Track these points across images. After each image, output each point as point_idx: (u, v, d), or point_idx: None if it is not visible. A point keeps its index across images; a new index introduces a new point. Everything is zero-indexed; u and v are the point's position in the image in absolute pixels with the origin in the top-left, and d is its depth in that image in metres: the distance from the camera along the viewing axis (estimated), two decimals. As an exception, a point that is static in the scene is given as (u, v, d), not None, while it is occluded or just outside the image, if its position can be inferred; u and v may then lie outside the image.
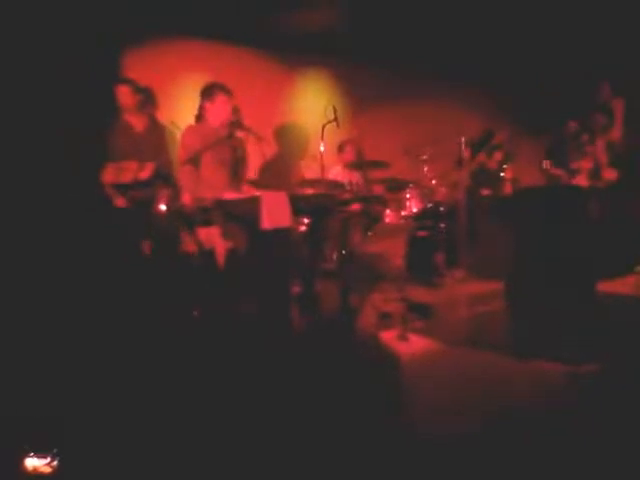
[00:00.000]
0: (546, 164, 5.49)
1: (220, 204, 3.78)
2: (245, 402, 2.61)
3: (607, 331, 3.32)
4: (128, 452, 2.21)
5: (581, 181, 5.22)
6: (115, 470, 2.11)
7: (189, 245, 4.02)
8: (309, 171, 5.84)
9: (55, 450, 2.09)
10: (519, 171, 5.83)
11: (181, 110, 5.17)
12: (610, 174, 5.30)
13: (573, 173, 5.34)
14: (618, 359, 3.11)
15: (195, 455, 2.20)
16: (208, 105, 4.33)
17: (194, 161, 4.09)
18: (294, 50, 6.17)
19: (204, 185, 4.11)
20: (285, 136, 6.32)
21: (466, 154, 4.95)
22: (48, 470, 2.05)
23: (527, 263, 3.56)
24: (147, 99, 5.07)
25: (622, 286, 4.39)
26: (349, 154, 5.88)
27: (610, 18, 5.87)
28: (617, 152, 5.37)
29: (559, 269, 3.40)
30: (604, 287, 3.95)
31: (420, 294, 4.61)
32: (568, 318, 3.30)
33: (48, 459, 2.06)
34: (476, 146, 5.51)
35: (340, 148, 5.94)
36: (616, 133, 5.47)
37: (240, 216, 3.71)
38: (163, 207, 4.26)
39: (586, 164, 5.29)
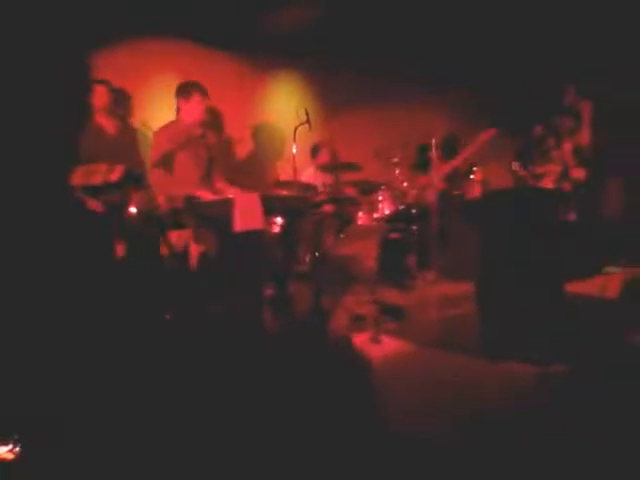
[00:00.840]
0: (515, 166, 5.55)
1: (192, 206, 3.76)
2: (217, 404, 2.60)
3: (576, 332, 3.38)
4: (99, 458, 2.18)
5: (547, 184, 5.28)
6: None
7: (161, 248, 3.99)
8: (283, 173, 5.83)
9: (16, 437, 2.05)
10: (489, 173, 5.90)
11: (153, 111, 5.13)
12: (578, 173, 5.36)
13: (539, 177, 5.40)
14: (586, 359, 3.17)
15: (168, 456, 2.19)
16: (183, 103, 4.32)
17: (166, 162, 4.07)
18: (266, 52, 6.15)
19: (177, 184, 4.09)
20: (259, 137, 6.30)
21: (435, 157, 5.00)
22: (10, 457, 2.02)
23: (496, 265, 3.61)
24: (121, 100, 5.01)
25: (590, 287, 4.47)
26: (323, 156, 5.88)
27: (577, 21, 5.96)
28: (585, 155, 5.44)
29: (527, 271, 3.45)
30: (573, 288, 4.02)
31: (392, 296, 4.64)
32: (537, 319, 3.35)
33: (10, 446, 2.03)
34: (442, 150, 5.57)
35: (314, 150, 5.94)
36: (584, 136, 5.53)
37: (212, 218, 3.69)
38: (134, 210, 4.22)
39: (552, 167, 5.35)
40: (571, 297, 3.63)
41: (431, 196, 5.14)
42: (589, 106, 5.49)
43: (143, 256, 4.12)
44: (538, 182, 5.34)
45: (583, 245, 4.95)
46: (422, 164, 5.82)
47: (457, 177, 5.85)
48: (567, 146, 5.40)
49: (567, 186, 5.28)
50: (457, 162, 5.70)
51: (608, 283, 4.48)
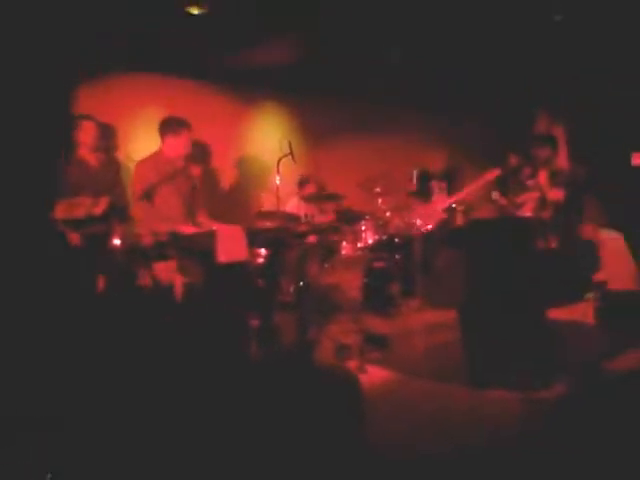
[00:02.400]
0: (495, 195, 5.62)
1: (176, 238, 3.77)
2: (203, 436, 2.58)
3: (559, 358, 3.41)
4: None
5: (526, 212, 5.33)
6: None
7: (145, 280, 3.98)
8: (267, 204, 5.87)
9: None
10: (471, 202, 5.97)
11: (138, 145, 5.16)
12: (556, 195, 5.39)
13: (518, 206, 5.45)
14: (570, 385, 3.19)
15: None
16: (168, 138, 4.34)
17: (149, 194, 4.08)
18: (250, 84, 6.23)
19: (160, 218, 4.10)
20: (242, 168, 6.34)
21: (436, 187, 5.08)
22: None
23: (479, 293, 3.64)
24: (106, 135, 5.03)
25: (573, 313, 4.52)
26: (310, 188, 5.94)
27: (548, 47, 6.11)
28: (563, 179, 5.47)
29: (510, 298, 3.49)
30: (556, 315, 4.07)
31: (377, 325, 4.64)
32: (521, 346, 3.38)
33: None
34: (444, 180, 5.64)
35: (301, 182, 5.99)
36: (562, 161, 5.60)
37: (196, 250, 3.70)
38: (117, 242, 4.22)
39: (531, 195, 5.41)
40: (554, 323, 3.67)
41: (431, 225, 5.20)
42: (562, 130, 5.57)
43: (125, 288, 4.10)
44: (518, 211, 5.39)
45: (564, 272, 5.02)
46: (420, 192, 5.86)
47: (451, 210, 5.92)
48: (543, 174, 5.46)
49: (546, 213, 5.34)
50: (461, 196, 5.75)
51: (588, 309, 4.55)
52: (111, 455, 2.45)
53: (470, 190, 5.75)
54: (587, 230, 5.03)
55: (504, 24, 5.46)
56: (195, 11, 4.73)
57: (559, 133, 5.60)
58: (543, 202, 5.34)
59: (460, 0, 4.96)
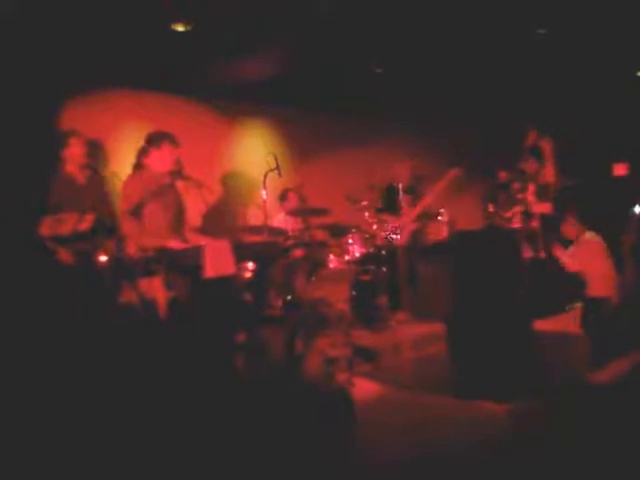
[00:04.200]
0: (490, 207, 5.64)
1: (163, 254, 3.77)
2: (191, 451, 2.57)
3: (543, 369, 3.44)
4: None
5: (515, 224, 5.38)
6: None
7: (130, 296, 3.97)
8: (254, 218, 5.88)
9: None
10: (458, 214, 6.01)
11: (123, 161, 5.16)
12: (543, 208, 5.44)
13: (508, 219, 5.49)
14: (554, 396, 3.21)
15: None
16: (154, 152, 4.35)
17: (137, 210, 4.08)
18: (234, 100, 6.26)
19: (147, 233, 4.10)
20: (228, 183, 6.35)
21: (403, 199, 5.11)
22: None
23: (464, 305, 3.67)
24: (93, 151, 5.02)
25: (556, 324, 4.55)
26: (292, 202, 5.95)
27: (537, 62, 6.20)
28: (550, 192, 5.52)
29: (495, 310, 3.52)
30: (539, 325, 4.09)
31: (365, 338, 4.64)
32: (505, 358, 3.40)
33: None
34: (410, 191, 5.66)
35: (282, 196, 6.01)
36: (549, 174, 5.64)
37: (184, 265, 3.71)
38: (104, 258, 4.21)
39: (519, 208, 5.45)
40: (537, 334, 3.70)
41: (404, 238, 5.24)
42: (550, 144, 5.61)
43: (111, 304, 4.09)
44: (507, 224, 5.43)
45: (548, 283, 5.06)
46: (389, 206, 5.91)
47: (425, 219, 5.96)
48: (531, 188, 5.51)
49: (535, 223, 5.38)
50: (426, 202, 5.80)
51: (573, 319, 4.59)
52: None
53: (433, 194, 5.80)
54: (570, 230, 5.08)
55: (489, 40, 5.54)
56: (180, 28, 4.76)
57: (547, 147, 5.64)
58: (529, 215, 5.39)
59: (441, 16, 5.03)
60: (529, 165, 5.63)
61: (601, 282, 4.79)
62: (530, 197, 5.48)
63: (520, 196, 5.48)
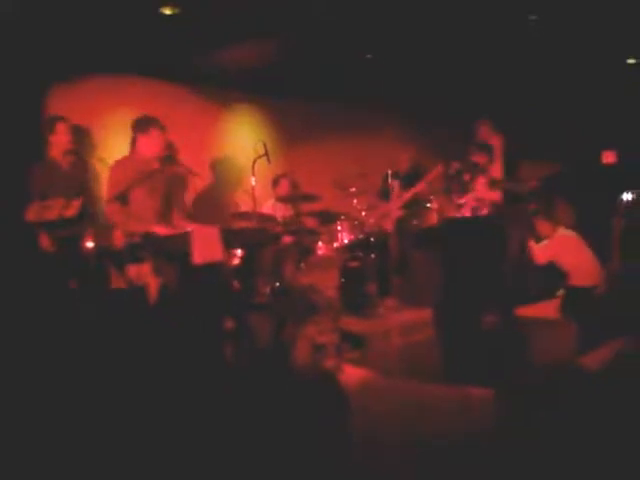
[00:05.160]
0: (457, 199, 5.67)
1: (150, 240, 3.74)
2: (179, 438, 2.57)
3: (530, 354, 3.46)
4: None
5: (466, 212, 5.37)
6: None
7: (118, 282, 3.95)
8: (243, 205, 5.87)
9: None
10: (445, 202, 6.02)
11: (110, 147, 5.12)
12: (492, 195, 5.46)
13: (459, 207, 5.48)
14: (541, 381, 3.23)
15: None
16: (141, 138, 4.31)
17: (123, 196, 4.05)
18: (224, 86, 6.22)
19: (135, 219, 4.07)
20: (218, 169, 6.33)
21: (394, 186, 5.11)
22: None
23: (451, 291, 3.68)
24: (79, 137, 4.98)
25: (544, 310, 4.58)
26: (283, 188, 5.93)
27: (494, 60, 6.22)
28: (499, 187, 5.54)
29: (481, 295, 3.53)
30: (527, 311, 4.12)
31: (354, 324, 4.65)
32: (492, 342, 3.42)
33: None
34: (405, 179, 5.64)
35: (275, 182, 5.99)
36: (496, 170, 5.67)
37: (171, 252, 3.68)
38: (90, 244, 4.18)
39: (470, 196, 5.46)
40: (525, 320, 3.72)
41: (389, 224, 5.24)
42: (500, 141, 5.66)
43: (99, 291, 4.07)
44: (458, 212, 5.43)
45: (536, 269, 5.09)
46: (385, 192, 5.93)
47: (416, 206, 5.96)
48: (481, 181, 5.52)
49: (485, 211, 5.40)
50: (415, 190, 5.81)
51: (556, 306, 4.63)
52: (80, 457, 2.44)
53: (419, 187, 5.82)
54: (543, 228, 5.11)
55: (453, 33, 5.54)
56: (168, 12, 4.70)
57: (497, 144, 5.68)
58: (481, 202, 5.38)
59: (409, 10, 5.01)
60: (479, 158, 5.65)
61: (581, 272, 4.83)
62: (479, 187, 5.49)
63: (471, 186, 5.50)
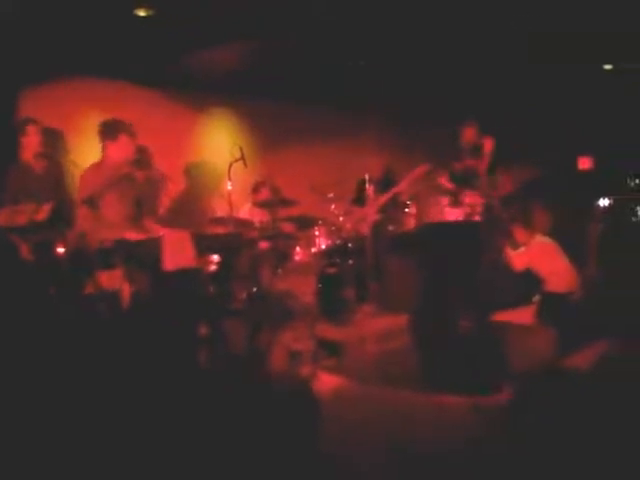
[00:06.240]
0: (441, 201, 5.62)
1: (121, 245, 3.68)
2: (152, 444, 2.52)
3: (506, 360, 3.44)
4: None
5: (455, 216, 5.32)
6: None
7: (89, 288, 3.87)
8: (220, 209, 5.80)
9: None
10: (423, 206, 6.01)
11: (83, 151, 5.04)
12: (470, 198, 5.43)
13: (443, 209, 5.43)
14: (518, 388, 3.21)
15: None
16: (109, 143, 4.26)
17: (92, 201, 3.99)
18: (200, 89, 6.17)
19: (105, 224, 4.01)
20: (194, 174, 6.26)
21: (370, 192, 5.08)
22: None
23: (429, 297, 3.66)
24: (51, 139, 4.89)
25: (520, 316, 4.58)
26: (264, 193, 5.88)
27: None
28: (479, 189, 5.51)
29: (459, 301, 3.51)
30: (504, 317, 4.11)
31: (330, 331, 4.61)
32: (468, 349, 3.40)
33: None
34: (378, 185, 5.60)
35: (254, 189, 5.94)
36: (481, 168, 5.60)
37: (142, 257, 3.63)
38: (62, 250, 4.10)
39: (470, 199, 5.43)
40: (502, 326, 3.71)
41: (365, 229, 5.21)
42: (490, 142, 5.60)
43: (71, 297, 3.99)
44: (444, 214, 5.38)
45: (512, 275, 5.09)
46: (360, 198, 5.90)
47: (393, 211, 5.94)
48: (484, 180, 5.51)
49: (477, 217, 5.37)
50: (389, 195, 5.79)
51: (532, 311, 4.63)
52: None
53: (398, 189, 5.81)
54: (519, 236, 5.11)
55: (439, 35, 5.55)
56: (143, 13, 4.65)
57: (487, 144, 5.62)
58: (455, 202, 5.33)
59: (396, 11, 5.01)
60: (470, 162, 5.63)
61: (557, 279, 4.84)
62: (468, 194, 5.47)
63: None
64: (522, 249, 5.10)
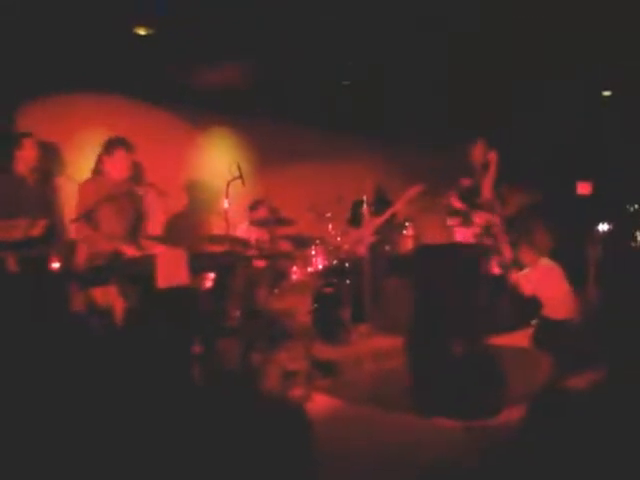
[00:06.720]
0: (450, 222, 5.59)
1: (116, 262, 3.66)
2: (145, 463, 2.48)
3: (502, 384, 3.40)
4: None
5: (469, 239, 5.28)
6: None
7: (80, 305, 3.85)
8: (217, 227, 5.79)
9: None
10: (423, 229, 6.01)
11: (81, 166, 5.03)
12: (480, 219, 5.40)
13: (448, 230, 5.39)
14: (513, 412, 3.18)
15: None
16: (106, 159, 4.26)
17: (89, 215, 3.98)
18: (199, 107, 6.18)
19: (102, 239, 4.00)
20: (192, 191, 6.26)
21: (366, 212, 5.08)
22: None
23: (424, 319, 3.63)
24: (47, 154, 4.89)
25: (517, 339, 4.55)
26: (262, 212, 5.87)
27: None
28: (485, 207, 5.48)
29: (454, 324, 3.48)
30: (501, 340, 4.08)
31: (326, 351, 4.59)
32: (463, 374, 3.36)
33: None
34: (372, 206, 5.57)
35: (252, 207, 5.94)
36: (487, 185, 5.54)
37: (136, 274, 3.60)
38: (56, 265, 4.08)
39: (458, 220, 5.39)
40: (499, 349, 3.67)
41: (362, 250, 5.19)
42: (496, 156, 5.55)
43: (64, 313, 3.96)
44: (448, 235, 5.36)
45: (512, 297, 5.06)
46: (355, 219, 5.90)
47: (390, 232, 5.93)
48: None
49: (488, 240, 5.34)
50: (386, 216, 5.79)
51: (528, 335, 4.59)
52: None
53: (394, 210, 5.80)
54: (525, 256, 5.08)
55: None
56: (143, 32, 4.68)
57: (492, 158, 5.57)
58: (487, 231, 5.32)
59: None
60: (476, 180, 5.60)
61: (557, 305, 4.80)
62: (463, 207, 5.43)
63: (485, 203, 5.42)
64: (527, 270, 5.06)
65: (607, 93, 7.04)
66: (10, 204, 4.27)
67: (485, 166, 5.55)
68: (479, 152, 5.60)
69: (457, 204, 5.52)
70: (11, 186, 4.39)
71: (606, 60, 5.86)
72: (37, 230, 4.09)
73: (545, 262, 5.02)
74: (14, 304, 4.04)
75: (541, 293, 4.90)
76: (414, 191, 5.73)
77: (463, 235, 5.16)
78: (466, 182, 5.58)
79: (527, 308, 4.94)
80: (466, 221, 5.24)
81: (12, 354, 3.60)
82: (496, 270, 5.15)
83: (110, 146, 4.23)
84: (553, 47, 5.52)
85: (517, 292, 5.03)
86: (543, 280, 4.92)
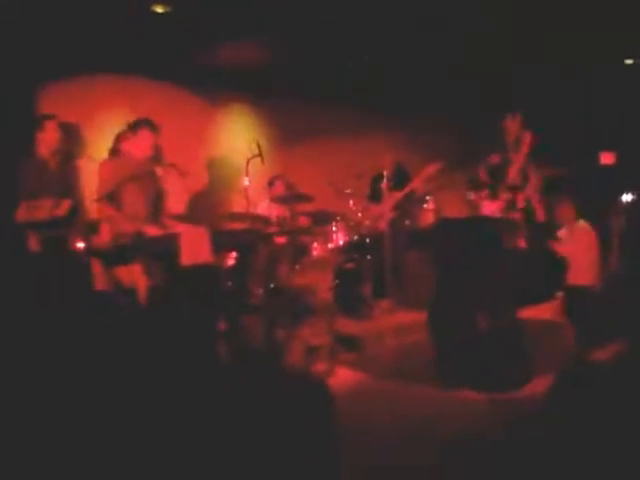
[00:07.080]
0: (471, 195, 5.53)
1: (139, 241, 3.69)
2: (171, 440, 2.52)
3: (527, 356, 3.40)
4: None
5: (496, 212, 5.21)
6: None
7: (104, 284, 3.90)
8: (237, 205, 5.80)
9: None
10: (443, 203, 5.95)
11: (101, 146, 5.06)
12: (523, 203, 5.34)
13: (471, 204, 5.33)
14: (538, 384, 3.17)
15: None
16: (129, 138, 4.28)
17: (112, 195, 4.01)
18: (218, 86, 6.17)
19: (125, 218, 4.03)
20: (212, 170, 6.28)
21: (385, 187, 5.05)
22: None
23: (447, 293, 3.62)
24: (69, 135, 4.92)
25: (544, 311, 4.52)
26: (279, 188, 5.87)
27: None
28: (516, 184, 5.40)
29: (480, 298, 3.47)
30: (527, 313, 4.06)
31: (348, 326, 4.61)
32: (487, 346, 3.36)
33: None
34: (391, 181, 5.51)
35: (270, 183, 5.93)
36: (516, 165, 5.44)
37: (159, 253, 3.64)
38: (81, 245, 4.13)
39: (505, 196, 5.33)
40: (524, 322, 3.66)
41: (383, 225, 5.18)
42: (530, 137, 5.42)
43: (89, 292, 4.02)
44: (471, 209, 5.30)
45: (536, 271, 5.02)
46: (375, 195, 5.87)
47: (410, 206, 5.89)
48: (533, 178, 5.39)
49: (517, 215, 5.28)
50: (405, 192, 5.74)
51: (556, 308, 4.55)
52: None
53: (413, 186, 5.75)
54: (565, 212, 5.01)
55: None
56: (160, 9, 4.66)
57: (526, 139, 5.44)
58: (513, 205, 5.25)
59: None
60: (507, 156, 5.51)
61: (585, 271, 4.77)
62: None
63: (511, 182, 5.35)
64: (563, 231, 5.01)
65: (629, 61, 6.88)
66: (33, 187, 4.32)
67: (517, 143, 5.43)
68: (514, 127, 5.45)
69: (485, 177, 5.47)
70: (34, 169, 4.43)
71: (629, 29, 5.71)
72: (61, 210, 4.14)
73: (582, 224, 4.98)
74: (40, 283, 4.12)
75: (572, 254, 4.85)
76: (433, 168, 5.66)
77: (489, 209, 5.09)
78: (495, 159, 5.49)
79: (552, 280, 4.91)
80: (494, 194, 5.18)
81: (38, 332, 3.67)
82: (522, 244, 5.09)
83: (136, 126, 4.24)
84: (571, 18, 5.40)
85: (550, 254, 4.99)
86: (577, 243, 4.87)
